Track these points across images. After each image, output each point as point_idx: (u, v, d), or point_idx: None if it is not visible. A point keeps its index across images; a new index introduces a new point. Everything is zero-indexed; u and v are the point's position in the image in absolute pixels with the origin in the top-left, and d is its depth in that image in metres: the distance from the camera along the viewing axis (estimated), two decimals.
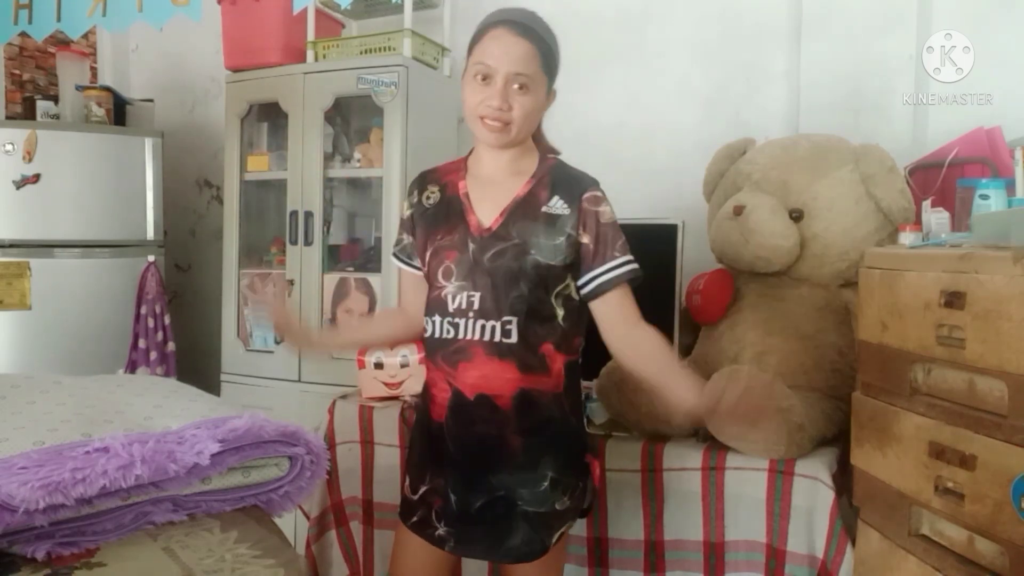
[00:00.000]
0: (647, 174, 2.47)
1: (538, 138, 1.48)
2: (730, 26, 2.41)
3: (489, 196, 1.40)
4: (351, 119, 2.71)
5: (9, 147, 2.58)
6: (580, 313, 1.40)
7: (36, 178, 2.62)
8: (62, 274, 2.68)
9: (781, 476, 1.56)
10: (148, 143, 2.82)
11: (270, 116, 2.72)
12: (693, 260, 1.97)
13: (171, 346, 2.82)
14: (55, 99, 2.94)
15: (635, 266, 1.37)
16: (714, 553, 1.62)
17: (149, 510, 1.07)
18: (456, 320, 1.35)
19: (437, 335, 1.37)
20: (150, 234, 2.84)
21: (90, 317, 2.72)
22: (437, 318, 1.37)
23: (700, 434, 1.68)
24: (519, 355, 1.32)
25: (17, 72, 3.14)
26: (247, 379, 2.65)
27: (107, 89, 2.92)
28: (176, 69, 3.38)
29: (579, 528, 1.72)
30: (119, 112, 2.93)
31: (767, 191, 1.80)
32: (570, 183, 1.38)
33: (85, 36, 3.25)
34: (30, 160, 2.60)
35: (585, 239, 1.35)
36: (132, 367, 2.74)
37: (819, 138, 1.89)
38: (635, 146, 2.52)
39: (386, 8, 2.70)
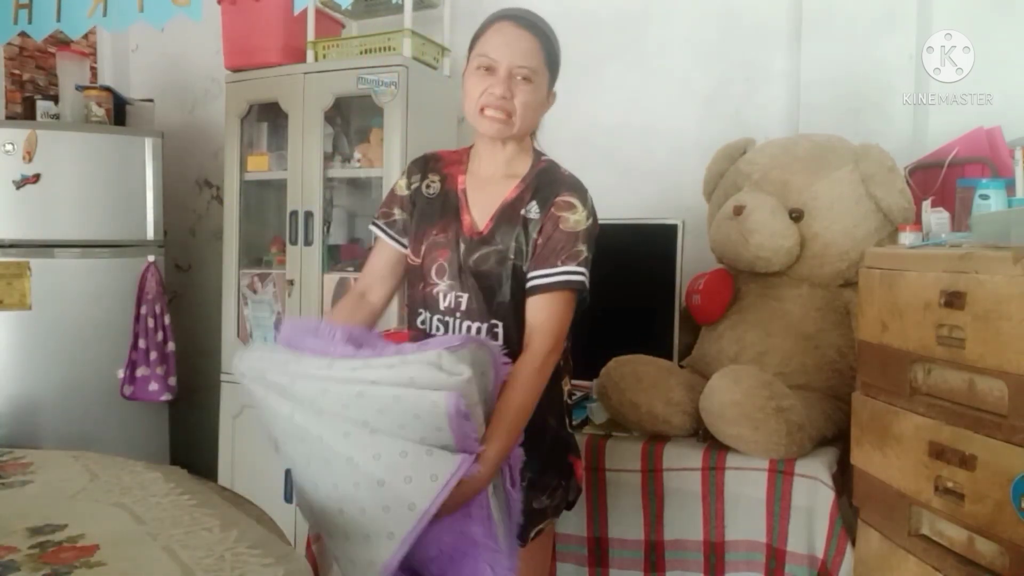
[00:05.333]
0: (647, 174, 2.47)
1: (532, 138, 1.47)
2: (730, 26, 2.41)
3: (484, 197, 1.39)
4: (351, 119, 2.71)
5: (9, 147, 2.58)
6: None
7: (36, 178, 2.62)
8: (62, 274, 2.67)
9: (781, 476, 1.56)
10: (148, 143, 2.81)
11: (270, 116, 2.72)
12: (693, 260, 1.98)
13: (171, 346, 2.82)
14: (55, 99, 2.93)
15: (574, 277, 1.30)
16: (714, 553, 1.62)
17: None
18: (446, 318, 1.35)
19: (431, 331, 1.37)
20: (150, 234, 2.84)
21: (90, 317, 2.72)
22: (429, 314, 1.37)
23: (700, 434, 1.68)
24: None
25: (17, 72, 3.13)
26: None
27: (107, 89, 2.92)
28: (176, 69, 3.38)
29: (579, 528, 1.72)
30: (119, 112, 2.93)
31: (767, 191, 1.80)
32: (549, 187, 1.37)
33: (85, 36, 3.25)
34: (30, 160, 2.60)
35: (539, 239, 1.33)
36: (132, 367, 2.74)
37: (819, 138, 1.90)
38: (635, 146, 2.52)
39: (386, 8, 2.70)
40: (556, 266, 1.31)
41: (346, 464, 1.14)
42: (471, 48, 1.38)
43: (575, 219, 1.33)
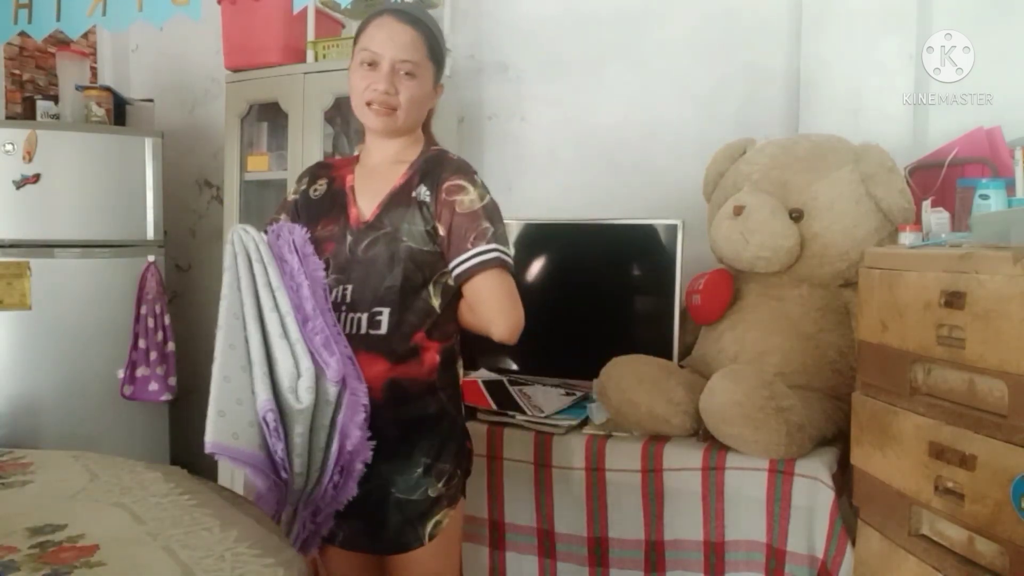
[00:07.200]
0: (647, 174, 2.47)
1: (427, 131, 1.49)
2: (730, 26, 2.41)
3: (371, 188, 1.40)
4: (351, 119, 2.70)
5: (9, 147, 2.58)
6: (457, 300, 1.40)
7: (36, 178, 2.62)
8: (62, 274, 2.67)
9: (781, 476, 1.56)
10: (148, 143, 2.81)
11: (270, 116, 2.72)
12: (693, 260, 1.98)
13: (171, 346, 2.82)
14: (55, 99, 2.93)
15: (490, 256, 1.32)
16: (714, 553, 1.62)
17: None
18: (336, 313, 1.34)
19: None
20: (150, 234, 2.83)
21: (90, 317, 2.72)
22: None
23: (700, 434, 1.68)
24: (388, 346, 1.32)
25: (17, 72, 3.13)
26: None
27: (107, 89, 2.92)
28: (176, 69, 3.37)
29: (579, 528, 1.72)
30: (119, 112, 2.93)
31: (767, 191, 1.80)
32: (436, 170, 1.38)
33: (85, 36, 3.24)
34: (30, 160, 2.60)
35: (441, 231, 1.35)
36: (132, 367, 2.74)
37: (819, 138, 1.90)
38: (635, 146, 2.52)
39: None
40: (468, 250, 1.32)
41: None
42: (354, 43, 1.40)
43: (469, 200, 1.34)
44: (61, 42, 2.97)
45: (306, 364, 1.17)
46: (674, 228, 1.97)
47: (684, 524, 1.64)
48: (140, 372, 2.75)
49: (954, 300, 1.14)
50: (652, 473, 1.66)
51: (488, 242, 1.32)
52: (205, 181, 3.37)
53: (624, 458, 1.68)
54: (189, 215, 3.40)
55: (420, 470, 1.35)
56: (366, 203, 1.40)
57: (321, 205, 1.43)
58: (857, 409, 1.42)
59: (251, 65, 2.64)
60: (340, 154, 2.62)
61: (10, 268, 2.60)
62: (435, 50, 1.39)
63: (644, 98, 2.52)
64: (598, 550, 1.71)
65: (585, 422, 1.83)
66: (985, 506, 1.08)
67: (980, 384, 1.12)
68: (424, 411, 1.36)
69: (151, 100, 3.16)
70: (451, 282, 1.37)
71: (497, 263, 1.32)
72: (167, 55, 3.38)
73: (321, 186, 1.46)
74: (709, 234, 1.90)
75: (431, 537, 1.36)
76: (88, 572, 0.95)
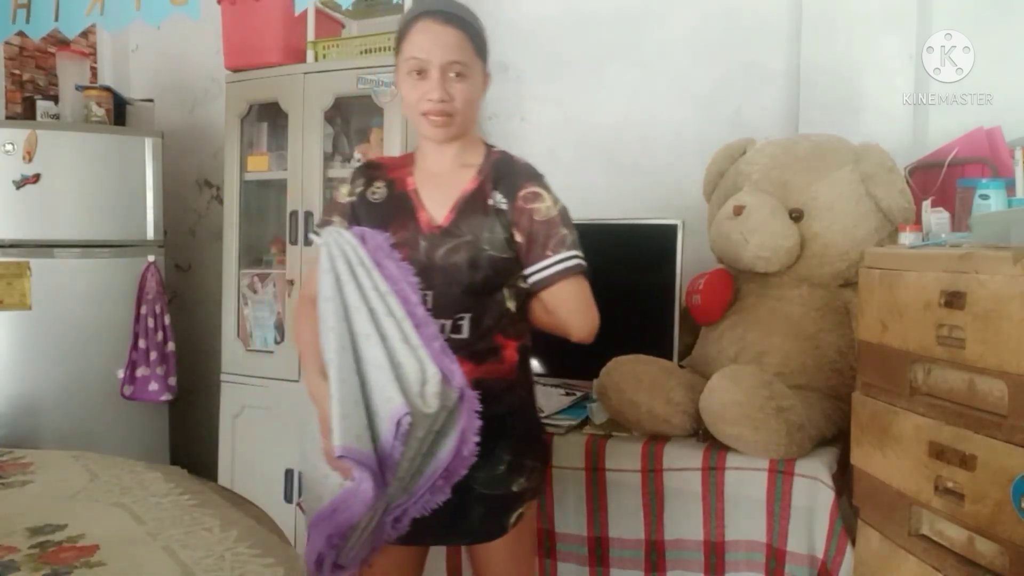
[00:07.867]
0: (647, 174, 2.47)
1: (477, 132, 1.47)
2: (730, 26, 2.41)
3: (438, 192, 1.39)
4: (351, 119, 2.71)
5: (9, 147, 2.58)
6: (528, 300, 1.41)
7: (36, 178, 2.62)
8: (62, 274, 2.67)
9: (781, 476, 1.56)
10: (148, 143, 2.81)
11: (270, 116, 2.72)
12: (693, 260, 1.98)
13: (171, 346, 2.82)
14: (55, 99, 2.93)
15: (571, 263, 1.34)
16: (714, 553, 1.62)
17: None
18: None
19: None
20: (150, 234, 2.84)
21: (90, 317, 2.72)
22: None
23: (700, 434, 1.68)
24: (471, 348, 1.32)
25: (17, 72, 3.13)
26: (247, 379, 2.65)
27: (107, 89, 2.92)
28: (176, 69, 3.37)
29: (579, 528, 1.72)
30: (119, 112, 2.93)
31: (767, 191, 1.80)
32: (510, 177, 1.37)
33: (85, 36, 3.25)
34: (30, 160, 2.60)
35: (519, 238, 1.34)
36: (132, 367, 2.74)
37: (819, 138, 1.90)
38: (635, 146, 2.52)
39: (386, 8, 2.70)
40: (548, 257, 1.33)
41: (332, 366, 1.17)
42: (397, 51, 1.37)
43: (545, 207, 1.35)
44: (61, 42, 2.97)
45: (432, 370, 1.16)
46: (674, 228, 1.97)
47: (684, 524, 1.64)
48: (140, 372, 2.75)
49: (954, 300, 1.14)
50: (652, 473, 1.66)
51: (567, 249, 1.34)
52: (205, 181, 3.37)
53: (624, 458, 1.68)
54: (189, 215, 3.40)
55: (504, 467, 1.35)
56: (436, 207, 1.37)
57: (385, 209, 1.40)
58: (857, 409, 1.42)
59: (251, 65, 2.64)
60: (340, 154, 2.62)
61: (10, 268, 2.60)
62: (480, 45, 1.37)
63: (644, 98, 2.52)
64: (598, 550, 1.71)
65: (585, 422, 1.83)
66: (985, 506, 1.08)
67: (980, 384, 1.12)
68: (505, 408, 1.36)
69: (151, 100, 3.16)
70: (524, 285, 1.37)
71: (577, 270, 1.34)
72: (167, 55, 3.38)
73: (380, 189, 1.43)
74: (709, 234, 1.90)
75: (513, 526, 1.38)
76: (88, 572, 0.95)
